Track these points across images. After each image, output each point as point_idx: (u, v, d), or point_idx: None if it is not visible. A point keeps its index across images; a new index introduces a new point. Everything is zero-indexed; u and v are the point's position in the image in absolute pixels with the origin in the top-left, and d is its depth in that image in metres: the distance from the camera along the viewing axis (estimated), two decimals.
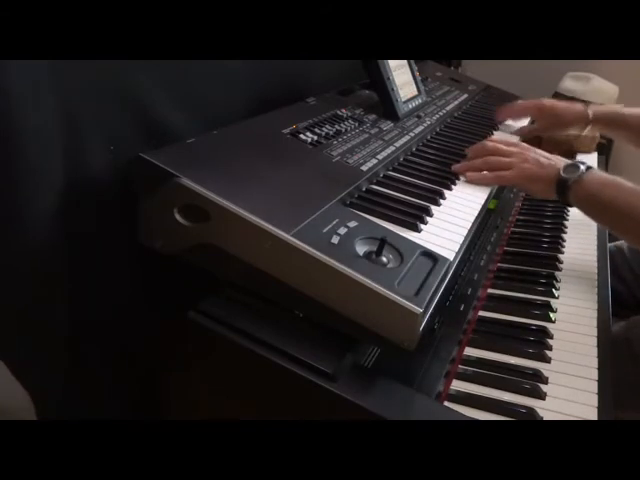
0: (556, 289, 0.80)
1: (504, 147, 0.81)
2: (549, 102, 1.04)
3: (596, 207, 0.73)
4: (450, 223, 0.66)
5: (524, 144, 0.83)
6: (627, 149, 1.06)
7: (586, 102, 1.44)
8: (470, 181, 0.78)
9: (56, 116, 0.53)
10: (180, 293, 0.56)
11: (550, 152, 1.38)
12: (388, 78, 0.88)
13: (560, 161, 0.77)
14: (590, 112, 1.00)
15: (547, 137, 1.30)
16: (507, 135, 1.03)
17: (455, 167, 0.80)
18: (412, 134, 0.87)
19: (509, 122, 1.11)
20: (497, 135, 1.02)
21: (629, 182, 0.72)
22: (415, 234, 0.61)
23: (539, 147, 1.36)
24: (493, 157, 0.80)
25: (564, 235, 0.97)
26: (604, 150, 1.39)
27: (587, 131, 1.01)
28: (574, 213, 1.06)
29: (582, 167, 0.73)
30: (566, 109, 1.02)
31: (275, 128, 0.73)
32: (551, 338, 0.70)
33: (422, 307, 0.48)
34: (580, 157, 1.32)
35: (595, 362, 0.65)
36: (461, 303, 0.74)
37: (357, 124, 0.83)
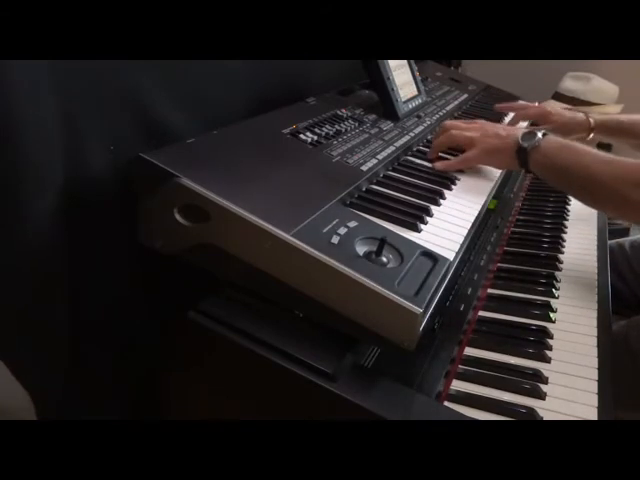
0: (556, 289, 0.80)
1: (463, 124, 0.83)
2: (554, 110, 1.04)
3: (552, 170, 0.75)
4: (450, 223, 0.66)
5: (482, 120, 0.86)
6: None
7: (586, 103, 1.44)
8: (439, 169, 0.79)
9: (56, 116, 0.53)
10: (180, 293, 0.56)
11: None
12: (388, 78, 0.88)
13: (518, 130, 0.78)
14: (592, 120, 1.00)
15: None
16: None
17: (428, 155, 0.83)
18: (412, 134, 0.87)
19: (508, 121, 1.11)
20: None
21: (585, 146, 0.74)
22: (415, 234, 0.61)
23: None
24: (455, 131, 0.81)
25: (564, 235, 0.97)
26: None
27: (589, 139, 1.02)
28: (574, 213, 1.06)
29: (539, 134, 0.75)
30: (570, 120, 1.02)
31: (275, 128, 0.73)
32: (551, 338, 0.70)
33: (422, 307, 0.48)
34: None
35: (595, 362, 0.65)
36: (461, 303, 0.74)
37: (357, 124, 0.83)
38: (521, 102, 1.11)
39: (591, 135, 1.01)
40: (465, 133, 0.81)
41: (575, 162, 0.72)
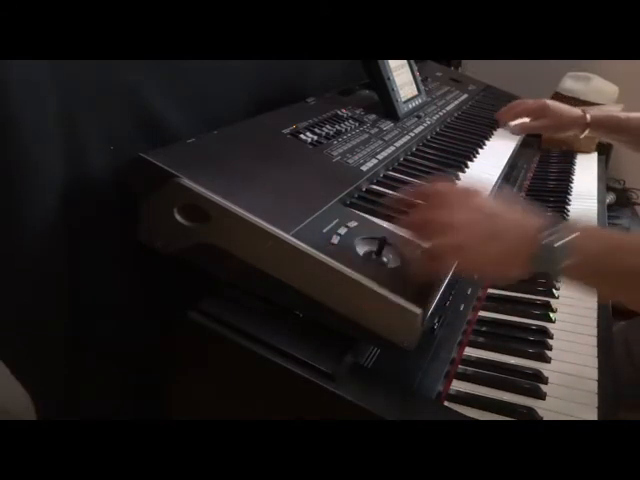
0: (556, 289, 0.80)
1: (435, 213, 0.51)
2: (552, 103, 1.04)
3: (599, 277, 0.50)
4: None
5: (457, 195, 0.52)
6: (627, 149, 1.06)
7: (586, 103, 1.44)
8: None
9: (56, 116, 0.53)
10: (180, 293, 0.56)
11: (549, 152, 1.36)
12: (388, 78, 0.88)
13: (523, 220, 0.49)
14: (588, 116, 1.00)
15: (547, 137, 1.30)
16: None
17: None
18: (412, 134, 0.87)
19: None
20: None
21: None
22: None
23: (539, 147, 1.35)
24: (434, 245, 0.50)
25: None
26: (604, 150, 1.39)
27: (585, 135, 1.02)
28: (574, 213, 1.06)
29: (563, 239, 0.47)
30: (566, 112, 1.02)
31: (275, 128, 0.73)
32: (551, 338, 0.70)
33: (422, 307, 0.48)
34: (580, 157, 1.32)
35: (595, 362, 0.65)
36: (461, 303, 0.74)
37: (357, 124, 0.83)
38: (520, 101, 1.11)
39: (586, 131, 1.01)
40: (444, 240, 0.49)
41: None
